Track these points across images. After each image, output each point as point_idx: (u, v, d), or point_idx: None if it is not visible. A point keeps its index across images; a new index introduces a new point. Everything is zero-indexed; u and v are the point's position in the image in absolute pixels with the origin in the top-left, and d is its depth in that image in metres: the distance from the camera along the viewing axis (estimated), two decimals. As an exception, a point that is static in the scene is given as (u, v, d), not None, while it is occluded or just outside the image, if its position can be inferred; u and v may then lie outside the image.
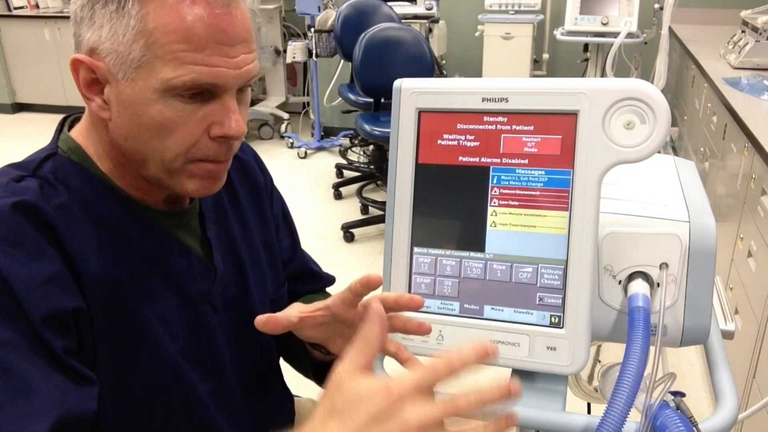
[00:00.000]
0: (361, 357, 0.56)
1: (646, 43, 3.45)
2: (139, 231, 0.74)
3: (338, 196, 3.76)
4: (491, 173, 0.69)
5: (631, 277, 0.68)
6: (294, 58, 4.35)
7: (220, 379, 0.81)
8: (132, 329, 0.71)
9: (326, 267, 1.07)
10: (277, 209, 0.98)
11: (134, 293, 0.71)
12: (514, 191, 0.68)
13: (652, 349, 0.60)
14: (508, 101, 0.67)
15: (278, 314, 0.76)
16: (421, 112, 0.71)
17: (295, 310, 0.77)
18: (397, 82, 0.71)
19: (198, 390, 0.77)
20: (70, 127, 0.77)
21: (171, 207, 0.79)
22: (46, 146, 0.75)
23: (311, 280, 1.03)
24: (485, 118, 0.68)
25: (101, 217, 0.71)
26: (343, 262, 3.01)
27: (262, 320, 0.75)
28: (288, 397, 0.99)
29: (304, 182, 3.97)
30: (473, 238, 0.70)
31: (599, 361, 0.88)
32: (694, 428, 0.58)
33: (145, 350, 0.72)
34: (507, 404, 0.53)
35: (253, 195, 0.92)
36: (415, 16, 3.96)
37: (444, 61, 4.30)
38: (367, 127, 3.04)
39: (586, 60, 3.66)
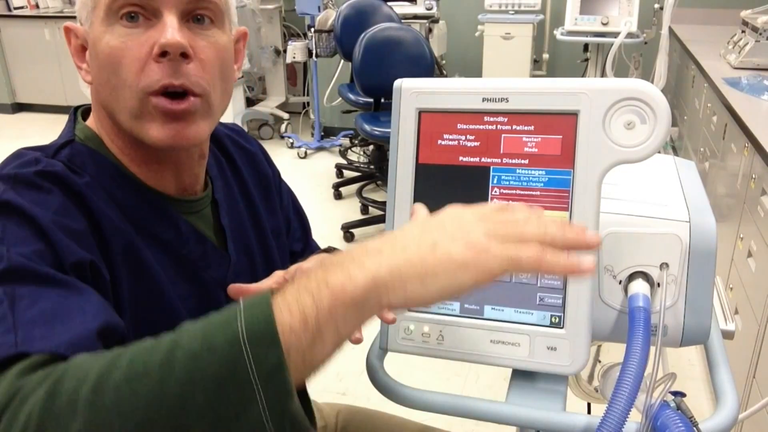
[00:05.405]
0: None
1: (646, 43, 3.45)
2: (155, 217, 0.75)
3: (338, 196, 3.75)
4: (491, 173, 0.69)
5: (632, 277, 0.68)
6: (294, 58, 4.35)
7: None
8: (152, 300, 0.72)
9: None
10: (287, 201, 1.00)
11: (154, 271, 0.72)
12: (514, 191, 0.68)
13: (652, 349, 0.60)
14: (508, 101, 0.67)
15: (252, 285, 0.78)
16: (421, 112, 0.71)
17: (272, 281, 0.78)
18: (397, 82, 0.71)
19: None
20: (84, 118, 0.78)
21: (183, 194, 0.80)
22: (62, 134, 0.76)
23: None
24: (485, 118, 0.68)
25: (119, 203, 0.72)
26: (343, 262, 3.00)
27: (233, 290, 0.77)
28: None
29: (304, 182, 3.96)
30: (473, 238, 0.70)
31: (599, 361, 0.88)
32: (694, 428, 0.58)
33: (166, 320, 0.72)
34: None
35: (262, 186, 0.94)
36: (415, 16, 3.95)
37: (444, 61, 4.29)
38: (367, 127, 3.04)
39: (586, 60, 3.65)
